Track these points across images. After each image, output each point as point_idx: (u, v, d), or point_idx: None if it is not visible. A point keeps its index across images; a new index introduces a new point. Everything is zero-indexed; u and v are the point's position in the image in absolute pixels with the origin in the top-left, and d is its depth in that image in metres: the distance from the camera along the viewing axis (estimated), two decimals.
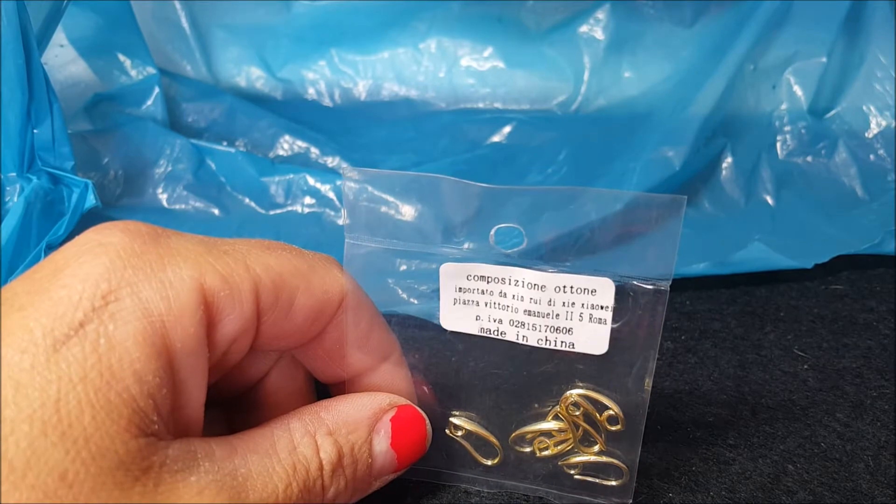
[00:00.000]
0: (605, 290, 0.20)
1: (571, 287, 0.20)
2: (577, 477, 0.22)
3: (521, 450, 0.22)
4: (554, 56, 0.52)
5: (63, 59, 0.46)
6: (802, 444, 0.26)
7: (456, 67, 0.54)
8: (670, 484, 0.24)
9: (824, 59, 0.48)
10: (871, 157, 0.48)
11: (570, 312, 0.20)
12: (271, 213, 0.43)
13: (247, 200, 0.43)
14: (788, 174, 0.47)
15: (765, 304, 0.35)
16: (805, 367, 0.30)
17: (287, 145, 0.48)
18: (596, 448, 0.22)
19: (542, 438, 0.22)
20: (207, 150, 0.44)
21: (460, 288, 0.21)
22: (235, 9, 0.52)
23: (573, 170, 0.46)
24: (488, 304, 0.21)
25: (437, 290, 0.21)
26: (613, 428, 0.21)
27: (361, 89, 0.54)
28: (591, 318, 0.20)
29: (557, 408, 0.22)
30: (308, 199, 0.43)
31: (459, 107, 0.53)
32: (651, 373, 0.20)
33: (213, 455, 0.17)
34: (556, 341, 0.20)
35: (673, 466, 0.25)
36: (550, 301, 0.20)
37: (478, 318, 0.21)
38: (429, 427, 0.22)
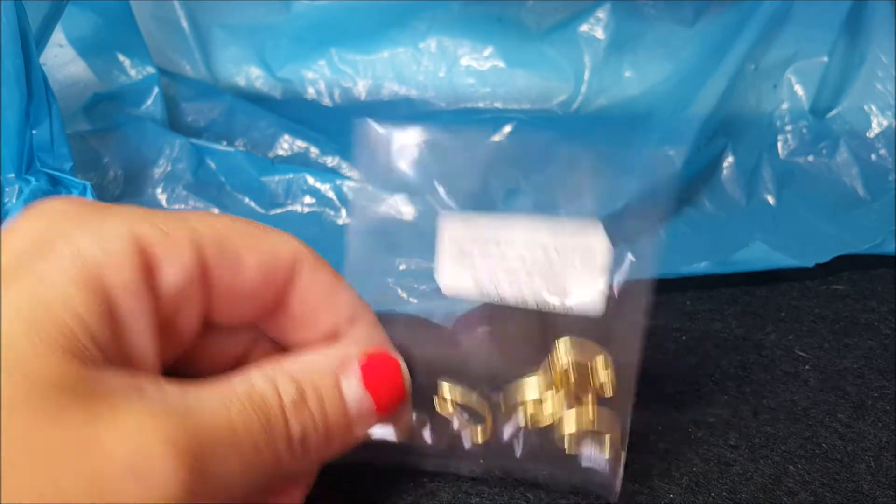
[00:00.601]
0: (601, 248, 0.19)
1: (569, 245, 0.19)
2: (568, 451, 0.22)
3: (510, 420, 0.22)
4: (554, 56, 0.52)
5: (62, 59, 0.46)
6: (804, 445, 0.26)
7: (456, 67, 0.54)
8: (671, 484, 0.24)
9: (825, 59, 0.48)
10: (873, 156, 0.48)
11: (568, 272, 0.20)
12: (271, 212, 0.42)
13: (246, 200, 0.43)
14: (789, 174, 0.47)
15: (766, 305, 0.35)
16: (806, 367, 0.30)
17: (287, 145, 0.48)
18: (589, 416, 0.21)
19: (532, 403, 0.21)
20: (207, 149, 0.44)
21: (458, 244, 0.20)
22: (235, 9, 0.52)
23: None
24: (485, 259, 0.20)
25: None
26: (605, 373, 0.21)
27: (361, 89, 0.54)
28: (584, 268, 0.19)
29: (551, 361, 0.21)
30: (308, 199, 0.43)
31: (459, 106, 0.53)
32: (643, 325, 0.20)
33: (162, 388, 0.17)
34: (553, 302, 0.20)
35: (674, 467, 0.25)
36: (548, 257, 0.19)
37: (475, 277, 0.20)
38: (405, 369, 0.21)
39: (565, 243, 0.19)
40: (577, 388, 0.21)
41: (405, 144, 0.21)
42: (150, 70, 0.47)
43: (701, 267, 0.36)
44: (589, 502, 0.23)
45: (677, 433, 0.26)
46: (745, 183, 0.46)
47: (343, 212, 0.42)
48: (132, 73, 0.47)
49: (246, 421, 0.17)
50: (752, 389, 0.29)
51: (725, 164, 0.46)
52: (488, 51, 0.53)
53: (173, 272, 0.18)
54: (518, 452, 0.22)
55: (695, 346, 0.32)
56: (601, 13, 0.51)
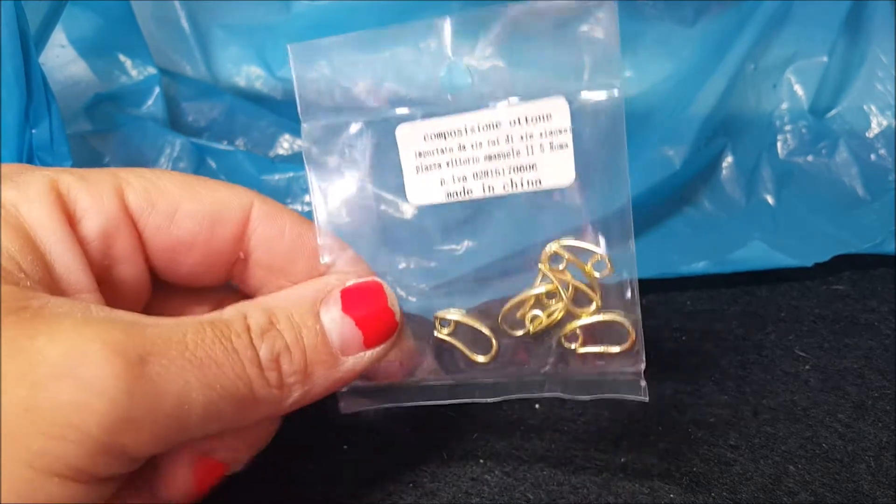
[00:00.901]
0: (560, 111, 0.19)
1: (526, 117, 0.19)
2: (580, 351, 0.21)
3: (515, 333, 0.21)
4: (554, 56, 0.52)
5: (63, 60, 0.46)
6: (804, 445, 0.26)
7: (456, 67, 0.53)
8: (671, 484, 0.24)
9: (825, 59, 0.48)
10: (872, 156, 0.48)
11: (530, 146, 0.19)
12: None
13: None
14: (789, 174, 0.47)
15: (766, 305, 0.35)
16: (806, 367, 0.30)
17: (287, 144, 0.48)
18: (592, 307, 0.20)
19: (534, 313, 0.21)
20: (207, 149, 0.44)
21: (420, 152, 0.20)
22: (235, 9, 0.52)
23: None
24: (450, 164, 0.20)
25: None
26: (602, 274, 0.20)
27: (361, 89, 0.54)
28: (551, 146, 0.19)
29: (540, 266, 0.20)
30: (308, 198, 0.43)
31: (460, 106, 0.53)
32: (628, 198, 0.19)
33: (112, 311, 0.17)
34: (521, 181, 0.19)
35: (674, 467, 0.25)
36: (508, 138, 0.19)
37: (442, 181, 0.20)
38: (391, 294, 0.20)
39: (525, 125, 0.19)
40: (576, 290, 0.20)
41: (347, 58, 0.20)
42: (151, 70, 0.47)
43: (700, 267, 0.36)
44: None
45: (677, 433, 0.26)
46: (745, 183, 0.46)
47: (343, 211, 0.42)
48: (133, 73, 0.47)
49: (201, 339, 0.17)
50: (753, 389, 0.29)
51: (725, 164, 0.46)
52: (489, 51, 0.53)
53: (94, 213, 0.19)
54: (528, 363, 0.21)
55: (695, 346, 0.32)
56: (601, 13, 0.50)
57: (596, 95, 0.18)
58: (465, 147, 0.20)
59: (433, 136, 0.20)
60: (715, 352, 0.31)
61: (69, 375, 0.15)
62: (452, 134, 0.20)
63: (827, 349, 0.32)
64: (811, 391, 0.29)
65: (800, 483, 0.24)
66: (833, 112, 0.49)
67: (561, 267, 0.20)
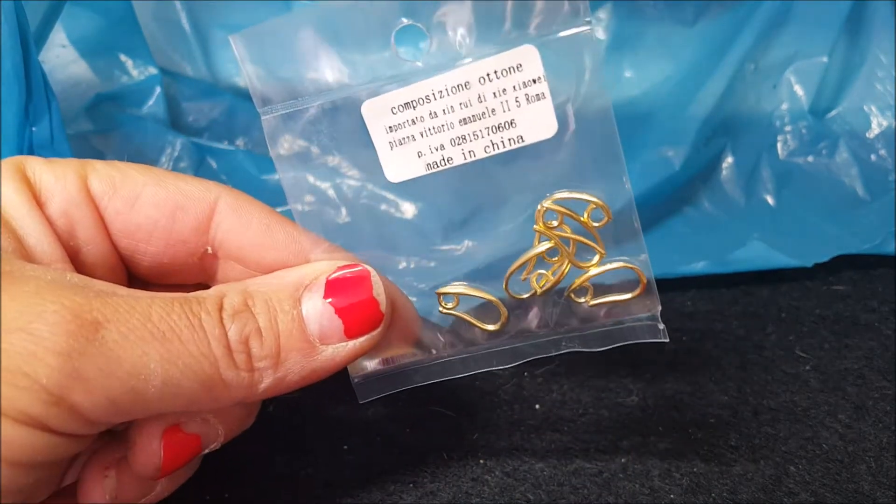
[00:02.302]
0: (530, 60, 0.18)
1: (495, 71, 0.18)
2: (591, 304, 0.20)
3: (521, 296, 0.20)
4: (554, 56, 0.52)
5: (64, 60, 0.46)
6: (804, 446, 0.26)
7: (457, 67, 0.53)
8: (672, 485, 0.24)
9: (825, 59, 0.48)
10: (872, 157, 0.48)
11: (505, 102, 0.18)
12: None
13: None
14: (789, 174, 0.47)
15: (766, 305, 0.35)
16: (807, 367, 0.30)
17: (287, 144, 0.48)
18: (596, 258, 0.19)
19: (539, 272, 0.20)
20: (208, 148, 0.44)
21: (390, 127, 0.19)
22: (235, 9, 0.52)
23: None
24: (424, 134, 0.19)
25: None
26: (601, 223, 0.19)
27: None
28: (528, 99, 0.18)
29: (535, 227, 0.19)
30: (308, 198, 0.43)
31: None
32: (615, 133, 0.18)
33: (83, 277, 0.18)
34: (503, 141, 0.18)
35: (674, 467, 0.25)
36: (480, 97, 0.18)
37: (419, 154, 0.19)
38: (378, 283, 0.20)
39: (496, 80, 0.18)
40: (577, 243, 0.19)
41: (294, 38, 0.19)
42: (152, 70, 0.47)
43: (700, 267, 0.36)
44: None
45: (677, 433, 0.26)
46: (745, 183, 0.46)
47: (343, 210, 0.42)
48: (134, 73, 0.47)
49: (166, 313, 0.17)
50: (753, 390, 0.29)
51: (725, 165, 0.46)
52: (489, 51, 0.53)
53: (56, 193, 0.20)
54: (540, 331, 0.20)
55: (695, 346, 0.32)
56: (602, 13, 0.51)
57: (564, 33, 0.18)
58: (436, 114, 0.19)
59: (401, 107, 0.19)
60: (715, 352, 0.31)
61: (23, 329, 0.16)
62: (421, 101, 0.19)
63: (827, 349, 0.32)
64: (811, 392, 0.29)
65: (800, 483, 0.24)
66: (833, 112, 0.49)
67: (556, 224, 0.19)
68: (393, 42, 0.18)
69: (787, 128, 0.48)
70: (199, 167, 0.44)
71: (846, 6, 0.47)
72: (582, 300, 0.20)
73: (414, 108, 0.19)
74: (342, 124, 0.20)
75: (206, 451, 0.21)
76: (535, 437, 0.27)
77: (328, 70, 0.19)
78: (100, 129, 0.45)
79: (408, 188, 0.20)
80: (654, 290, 0.19)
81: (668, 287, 0.37)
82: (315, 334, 0.19)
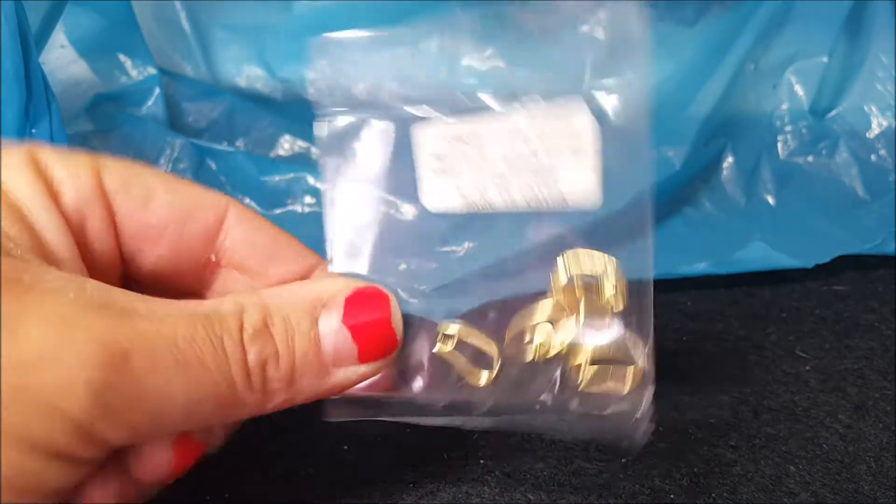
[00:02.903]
0: (581, 114, 0.18)
1: (545, 119, 0.18)
2: (584, 389, 0.19)
3: (519, 358, 0.20)
4: (554, 56, 0.52)
5: (64, 60, 0.46)
6: (804, 446, 0.26)
7: (457, 67, 0.54)
8: (672, 485, 0.24)
9: (825, 59, 0.48)
10: (873, 157, 0.48)
11: (550, 148, 0.18)
12: (271, 212, 0.43)
13: (247, 200, 0.43)
14: (789, 174, 0.47)
15: (767, 305, 0.35)
16: (807, 368, 0.30)
17: (287, 145, 0.48)
18: (602, 341, 0.19)
19: (540, 332, 0.19)
20: (208, 149, 0.44)
21: (437, 156, 0.19)
22: (235, 9, 0.52)
23: None
24: (467, 165, 0.19)
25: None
26: (611, 285, 0.18)
27: (362, 89, 0.54)
28: (572, 151, 0.18)
29: (551, 298, 0.19)
30: (308, 199, 0.43)
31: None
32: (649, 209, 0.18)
33: (108, 290, 0.17)
34: (543, 197, 0.18)
35: (674, 467, 0.25)
36: (527, 140, 0.18)
37: (459, 189, 0.19)
38: (397, 310, 0.20)
39: (546, 127, 0.18)
40: (589, 309, 0.18)
41: (362, 54, 0.19)
42: (152, 70, 0.47)
43: (700, 267, 0.36)
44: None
45: (678, 433, 0.26)
46: (745, 183, 0.46)
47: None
48: (133, 73, 0.47)
49: (191, 336, 0.17)
50: (753, 390, 0.29)
51: (725, 165, 0.46)
52: (489, 51, 0.53)
53: (69, 186, 0.19)
54: (528, 394, 0.20)
55: (695, 346, 0.32)
56: (601, 13, 0.51)
57: (610, 91, 0.18)
58: (484, 152, 0.18)
59: (451, 139, 0.19)
60: (715, 352, 0.31)
61: (50, 360, 0.15)
62: (472, 137, 0.18)
63: (827, 350, 0.32)
64: (812, 392, 0.29)
65: (800, 484, 0.24)
66: (833, 112, 0.49)
67: (567, 279, 0.19)
68: (445, 77, 0.19)
69: (788, 128, 0.48)
70: (199, 168, 0.44)
71: (846, 6, 0.47)
72: (577, 380, 0.19)
73: (465, 142, 0.19)
74: (388, 140, 0.20)
75: (209, 452, 0.21)
76: (536, 436, 0.27)
77: (386, 88, 0.20)
78: (99, 129, 0.45)
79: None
80: (650, 383, 0.19)
81: (668, 288, 0.37)
82: (329, 357, 0.19)
